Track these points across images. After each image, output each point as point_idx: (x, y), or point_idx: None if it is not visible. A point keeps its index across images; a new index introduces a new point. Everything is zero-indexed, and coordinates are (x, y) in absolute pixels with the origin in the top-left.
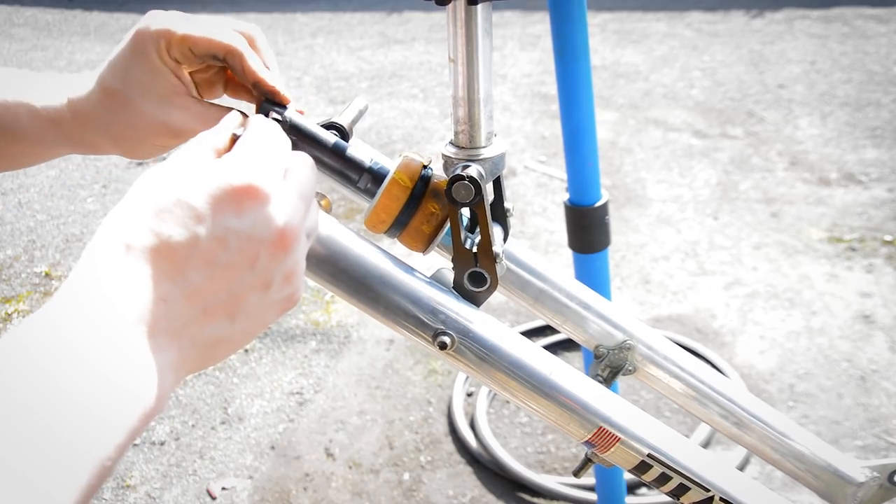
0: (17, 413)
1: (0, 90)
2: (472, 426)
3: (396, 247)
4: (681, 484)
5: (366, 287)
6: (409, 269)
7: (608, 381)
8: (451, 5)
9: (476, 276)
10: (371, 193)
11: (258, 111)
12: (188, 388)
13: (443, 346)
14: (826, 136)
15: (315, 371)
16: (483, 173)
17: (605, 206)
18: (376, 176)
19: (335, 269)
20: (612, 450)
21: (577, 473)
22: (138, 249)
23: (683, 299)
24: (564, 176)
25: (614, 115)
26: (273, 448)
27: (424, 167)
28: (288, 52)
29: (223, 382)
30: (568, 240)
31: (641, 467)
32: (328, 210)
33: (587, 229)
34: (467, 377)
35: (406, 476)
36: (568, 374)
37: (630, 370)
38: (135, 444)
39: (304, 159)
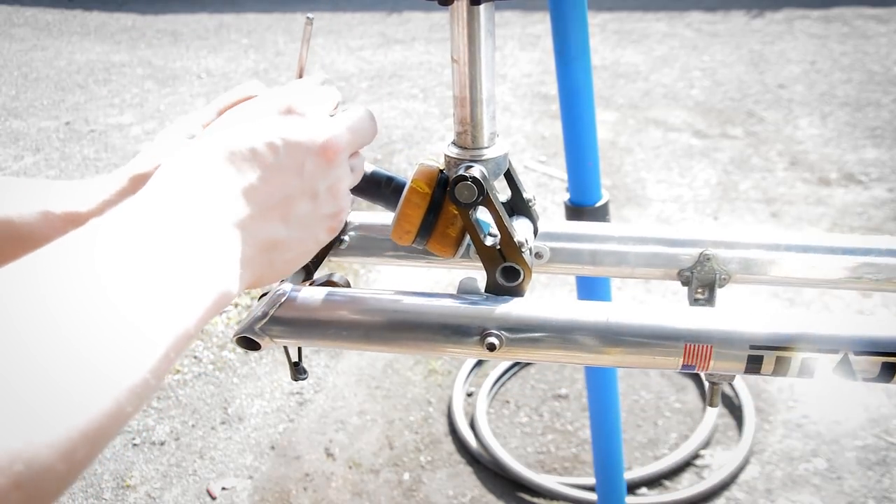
0: (116, 281)
1: (19, 201)
2: (472, 426)
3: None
4: (804, 360)
5: (399, 333)
6: (431, 296)
7: (711, 301)
8: (454, 5)
9: (508, 270)
10: (391, 207)
11: None
12: (188, 388)
13: (492, 348)
14: (826, 136)
15: (315, 371)
16: (486, 173)
17: (605, 206)
18: (395, 187)
19: (363, 331)
20: (712, 362)
21: (710, 402)
22: (206, 153)
23: (684, 299)
24: (564, 176)
25: (614, 115)
26: (273, 448)
27: (441, 171)
28: (288, 52)
29: (223, 382)
30: None
31: (754, 363)
32: (346, 286)
33: None
34: (467, 377)
35: (406, 476)
36: (625, 312)
37: (725, 279)
38: (134, 444)
39: (363, 109)
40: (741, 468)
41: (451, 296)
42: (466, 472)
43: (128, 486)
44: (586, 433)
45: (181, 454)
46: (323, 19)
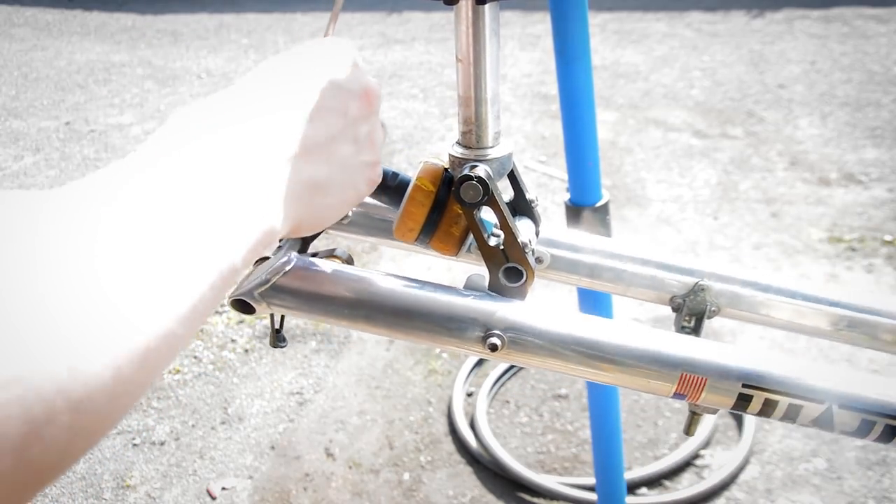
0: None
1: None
2: (472, 426)
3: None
4: (790, 405)
5: (401, 319)
6: (438, 287)
7: (696, 331)
8: (459, 5)
9: (511, 271)
10: (396, 205)
11: None
12: (188, 388)
13: (494, 349)
14: (826, 136)
15: (315, 371)
16: (491, 173)
17: (605, 206)
18: (399, 185)
19: (366, 311)
20: (703, 394)
21: (687, 431)
22: (251, 92)
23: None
24: (565, 176)
25: (614, 115)
26: (273, 448)
27: (446, 170)
28: None
29: (223, 382)
30: None
31: (742, 402)
32: (349, 263)
33: (588, 229)
34: (467, 377)
35: (406, 476)
36: (629, 332)
37: (714, 311)
38: (134, 444)
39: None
40: (741, 468)
41: (458, 290)
42: (466, 472)
43: (128, 486)
44: (586, 433)
45: (181, 454)
46: (323, 19)
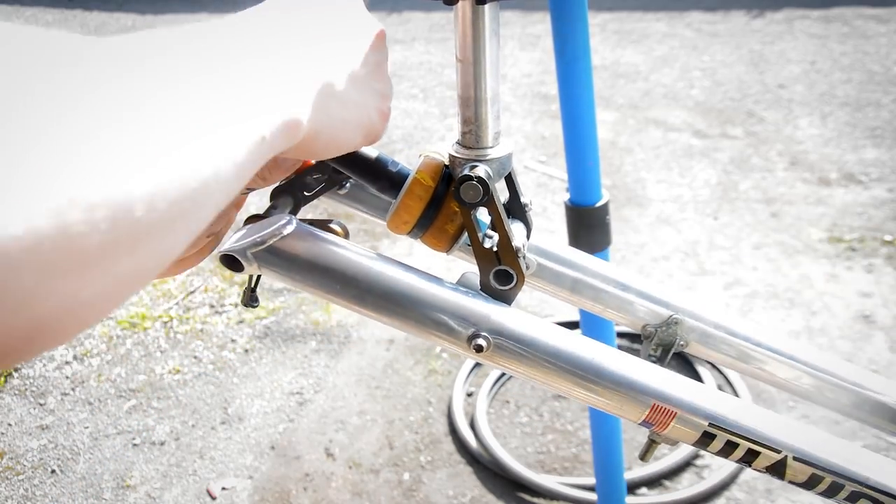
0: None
1: None
2: (472, 426)
3: (413, 253)
4: (749, 450)
5: (393, 303)
6: (433, 279)
7: (662, 361)
8: (458, 5)
9: (501, 273)
10: (391, 195)
11: None
12: (188, 388)
13: (479, 350)
14: (826, 136)
15: (315, 371)
16: (490, 173)
17: (605, 206)
18: (397, 177)
19: (359, 290)
20: (670, 426)
21: (643, 457)
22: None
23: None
24: (564, 176)
25: (614, 115)
26: (273, 448)
27: (446, 166)
28: None
29: (223, 382)
30: (568, 240)
31: (705, 439)
32: (345, 236)
33: (588, 229)
34: (467, 377)
35: (406, 476)
36: (611, 356)
37: (682, 345)
38: (134, 444)
39: None
40: (741, 468)
41: (453, 285)
42: (466, 472)
43: (128, 486)
44: (586, 433)
45: (181, 454)
46: None
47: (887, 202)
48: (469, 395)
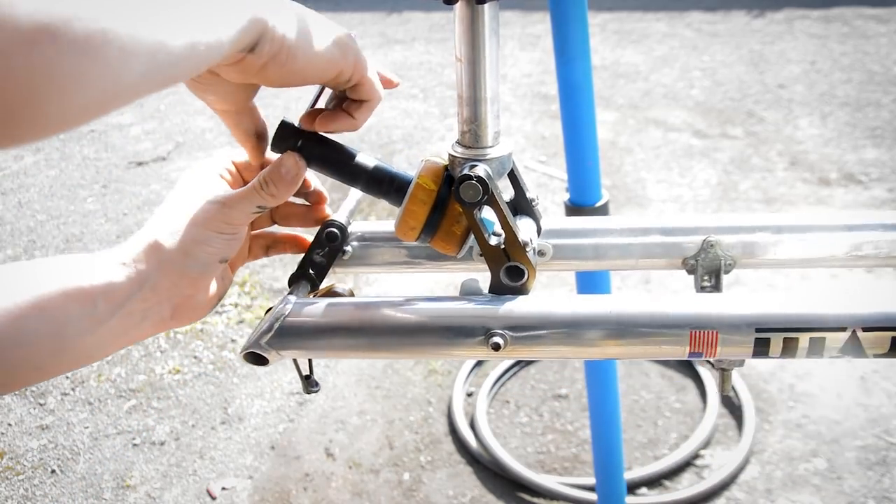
0: None
1: (40, 282)
2: (472, 426)
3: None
4: (811, 339)
5: (403, 339)
6: (433, 299)
7: (717, 287)
8: (458, 5)
9: (512, 270)
10: (396, 202)
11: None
12: (188, 388)
13: (497, 348)
14: (826, 136)
15: (315, 371)
16: (490, 172)
17: (605, 207)
18: (399, 183)
19: (369, 338)
20: (719, 347)
21: (721, 389)
22: None
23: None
24: (564, 176)
25: (614, 115)
26: (273, 448)
27: (447, 168)
28: None
29: (223, 382)
30: None
31: (761, 347)
32: (350, 296)
33: None
34: (467, 377)
35: (406, 476)
36: (628, 302)
37: (730, 265)
38: (134, 444)
39: None
40: (741, 468)
41: (453, 298)
42: (466, 472)
43: (128, 486)
44: (586, 433)
45: (181, 454)
46: None
47: (887, 202)
48: (469, 395)
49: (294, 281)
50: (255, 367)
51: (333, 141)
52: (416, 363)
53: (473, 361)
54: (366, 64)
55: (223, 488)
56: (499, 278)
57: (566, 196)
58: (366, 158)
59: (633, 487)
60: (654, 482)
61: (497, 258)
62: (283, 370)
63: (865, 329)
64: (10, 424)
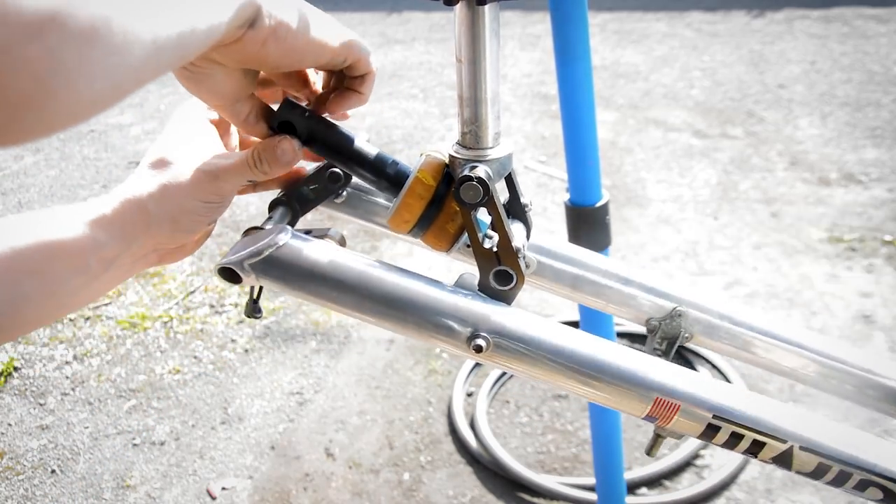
0: None
1: (16, 234)
2: (472, 426)
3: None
4: (754, 441)
5: (393, 309)
6: (431, 282)
7: (667, 354)
8: (458, 5)
9: (501, 274)
10: (392, 194)
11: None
12: (188, 388)
13: (479, 350)
14: (826, 136)
15: (315, 371)
16: (490, 174)
17: (605, 207)
18: (397, 175)
19: (356, 296)
20: (674, 419)
21: (649, 452)
22: None
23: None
24: (564, 176)
25: (614, 115)
26: (273, 448)
27: (447, 165)
28: None
29: (223, 382)
30: (568, 240)
31: (709, 431)
32: (342, 245)
33: (588, 229)
34: (467, 377)
35: (406, 476)
36: (612, 351)
37: (687, 337)
38: (134, 444)
39: None
40: (741, 468)
41: (450, 287)
42: (466, 472)
43: (128, 486)
44: (586, 433)
45: (181, 454)
46: None
47: (887, 202)
48: (469, 395)
49: (275, 206)
50: (255, 367)
51: (335, 124)
52: (417, 363)
53: (473, 362)
54: (359, 40)
55: (223, 488)
56: (488, 280)
57: (566, 196)
58: (367, 145)
59: (633, 487)
60: (654, 482)
61: (488, 260)
62: (283, 370)
63: (802, 448)
64: (10, 424)
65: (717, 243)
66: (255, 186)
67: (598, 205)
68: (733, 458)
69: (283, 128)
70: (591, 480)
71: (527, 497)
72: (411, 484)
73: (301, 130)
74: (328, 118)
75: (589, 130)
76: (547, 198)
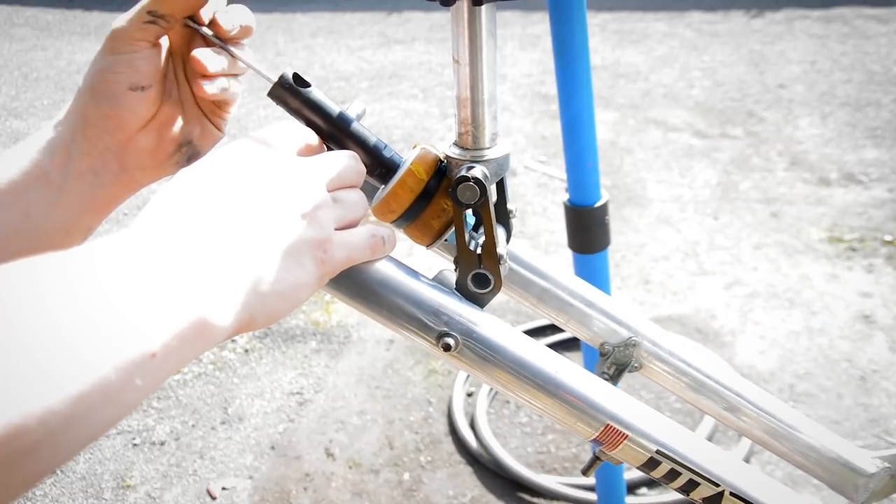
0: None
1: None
2: (472, 426)
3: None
4: (690, 480)
5: (368, 291)
6: (411, 272)
7: (614, 379)
8: (455, 6)
9: (480, 277)
10: (381, 181)
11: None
12: (188, 389)
13: (447, 348)
14: (826, 136)
15: (315, 371)
16: (487, 174)
17: (605, 207)
18: (389, 164)
19: (338, 276)
20: (619, 447)
21: (585, 472)
22: (190, 184)
23: (683, 299)
24: (564, 176)
25: (614, 115)
26: (273, 448)
27: (441, 161)
28: (288, 52)
29: (223, 382)
30: (568, 240)
31: (650, 464)
32: None
33: (587, 229)
34: (467, 377)
35: (406, 476)
36: (573, 372)
37: (636, 367)
38: (134, 444)
39: (340, 152)
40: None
41: (429, 281)
42: (466, 472)
43: (128, 486)
44: None
45: (181, 454)
46: (323, 19)
47: (887, 202)
48: (469, 395)
49: None
50: (255, 367)
51: (330, 102)
52: (417, 363)
53: None
54: (351, 213)
55: (223, 488)
56: (465, 281)
57: (566, 196)
58: (364, 129)
59: (633, 487)
60: (654, 482)
61: (470, 261)
62: (283, 370)
63: (733, 495)
64: None
65: (717, 243)
66: (156, 22)
67: (598, 205)
68: (737, 452)
69: (285, 97)
70: (591, 480)
71: (527, 497)
72: (411, 484)
73: (295, 106)
74: (319, 95)
75: (588, 131)
76: (547, 198)
